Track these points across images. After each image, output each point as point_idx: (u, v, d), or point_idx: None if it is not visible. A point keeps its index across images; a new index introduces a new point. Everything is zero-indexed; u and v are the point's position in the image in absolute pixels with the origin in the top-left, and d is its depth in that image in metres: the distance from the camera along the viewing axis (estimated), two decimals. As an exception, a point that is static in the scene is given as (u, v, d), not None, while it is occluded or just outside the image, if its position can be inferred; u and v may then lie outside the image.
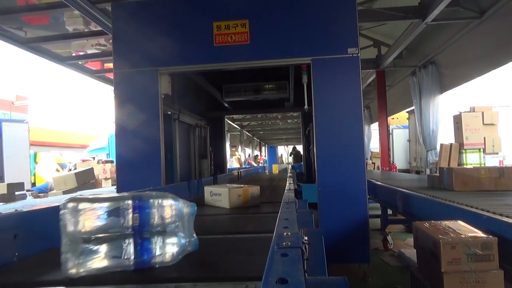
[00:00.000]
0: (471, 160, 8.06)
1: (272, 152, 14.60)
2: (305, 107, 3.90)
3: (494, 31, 5.33)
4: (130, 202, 1.16)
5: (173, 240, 1.20)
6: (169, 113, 4.32)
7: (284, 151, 28.54)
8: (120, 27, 3.69)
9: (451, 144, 8.21)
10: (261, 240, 1.59)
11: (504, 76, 11.37)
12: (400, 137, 13.13)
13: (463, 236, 1.99)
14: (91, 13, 4.40)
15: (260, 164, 18.06)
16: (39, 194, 8.06)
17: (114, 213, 1.13)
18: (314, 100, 3.40)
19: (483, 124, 8.25)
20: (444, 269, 1.93)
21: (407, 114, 12.29)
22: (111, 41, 4.15)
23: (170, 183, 3.99)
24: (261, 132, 19.27)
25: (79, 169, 9.53)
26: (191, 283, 1.05)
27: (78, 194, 5.40)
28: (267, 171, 10.69)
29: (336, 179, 3.32)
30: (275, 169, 8.44)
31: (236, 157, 17.63)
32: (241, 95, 5.74)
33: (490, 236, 1.94)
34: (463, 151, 8.11)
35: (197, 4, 3.61)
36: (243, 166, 15.45)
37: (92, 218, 1.12)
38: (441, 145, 8.07)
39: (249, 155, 20.60)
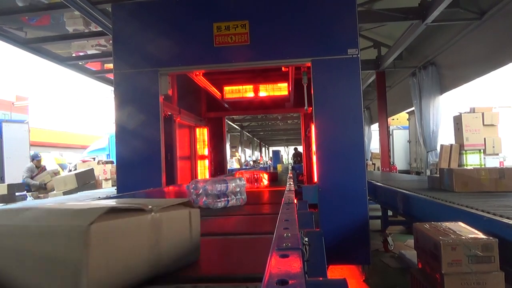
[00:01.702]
0: (471, 161, 8.06)
1: (276, 155, 16.43)
2: (305, 107, 3.90)
3: (494, 32, 5.34)
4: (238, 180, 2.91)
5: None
6: (169, 113, 4.33)
7: (284, 152, 28.64)
8: (120, 27, 3.70)
9: (451, 145, 8.21)
10: (261, 241, 1.58)
11: (504, 77, 11.36)
12: (400, 138, 13.14)
13: (463, 237, 1.98)
14: (91, 13, 4.40)
15: (260, 165, 18.03)
16: (39, 195, 8.06)
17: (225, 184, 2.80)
18: (314, 100, 3.40)
19: (483, 125, 8.25)
20: (444, 270, 1.93)
21: (407, 115, 12.30)
22: (111, 41, 4.15)
23: (170, 184, 3.98)
24: (261, 133, 19.31)
25: (79, 169, 9.52)
26: (191, 284, 1.05)
27: (78, 194, 5.40)
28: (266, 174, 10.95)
29: (336, 180, 3.31)
30: (279, 167, 10.30)
31: (236, 158, 17.61)
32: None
33: (491, 238, 1.94)
34: (463, 152, 8.10)
35: (197, 5, 3.61)
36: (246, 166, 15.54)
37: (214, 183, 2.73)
38: (441, 146, 8.07)
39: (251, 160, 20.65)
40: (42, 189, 8.06)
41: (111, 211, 0.90)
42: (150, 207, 1.04)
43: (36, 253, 0.85)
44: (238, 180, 2.84)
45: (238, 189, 2.82)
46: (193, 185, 2.77)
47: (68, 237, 0.82)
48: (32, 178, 8.21)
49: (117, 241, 0.90)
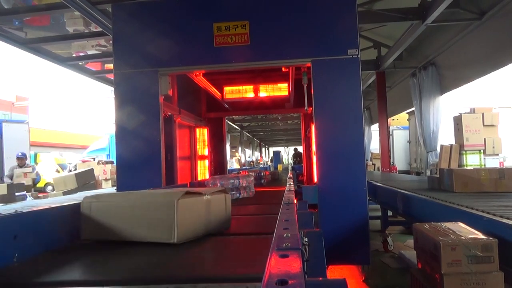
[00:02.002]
0: (471, 161, 8.06)
1: (276, 156, 16.81)
2: (305, 108, 3.90)
3: (494, 32, 5.34)
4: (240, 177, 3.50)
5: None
6: (169, 114, 4.33)
7: (284, 152, 28.67)
8: (120, 28, 3.70)
9: (451, 145, 8.21)
10: (261, 241, 1.59)
11: (504, 77, 11.37)
12: (400, 138, 13.14)
13: (463, 237, 1.98)
14: (91, 14, 4.40)
15: (260, 165, 18.04)
16: (39, 195, 8.08)
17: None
18: (314, 101, 3.40)
19: (483, 125, 8.25)
20: (444, 270, 1.93)
21: (407, 115, 12.30)
22: (111, 42, 4.15)
23: (170, 184, 3.98)
24: (261, 133, 19.30)
25: (79, 169, 9.54)
26: (191, 284, 1.05)
27: (77, 195, 5.39)
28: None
29: (336, 180, 3.31)
30: (280, 167, 10.80)
31: (237, 158, 17.61)
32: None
33: (490, 238, 1.94)
34: (463, 152, 8.11)
35: (197, 5, 3.61)
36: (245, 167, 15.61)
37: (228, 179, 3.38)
38: (441, 146, 8.07)
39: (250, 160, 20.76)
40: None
41: (186, 194, 1.55)
42: (204, 192, 1.70)
43: (145, 217, 1.52)
44: (247, 177, 3.52)
45: (247, 184, 3.46)
46: (212, 181, 3.45)
47: (166, 207, 1.47)
48: (12, 177, 8.41)
49: (189, 210, 1.55)
